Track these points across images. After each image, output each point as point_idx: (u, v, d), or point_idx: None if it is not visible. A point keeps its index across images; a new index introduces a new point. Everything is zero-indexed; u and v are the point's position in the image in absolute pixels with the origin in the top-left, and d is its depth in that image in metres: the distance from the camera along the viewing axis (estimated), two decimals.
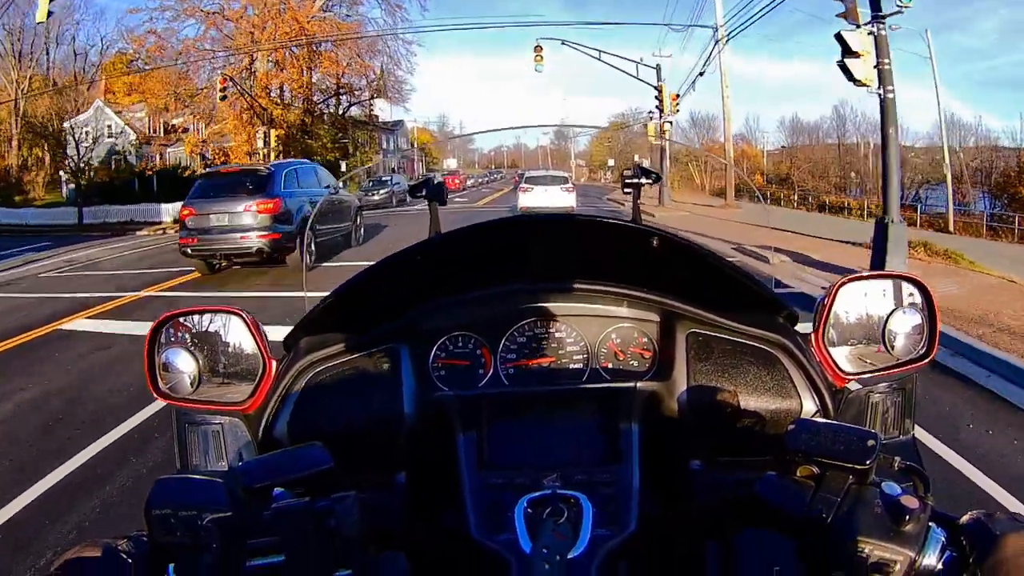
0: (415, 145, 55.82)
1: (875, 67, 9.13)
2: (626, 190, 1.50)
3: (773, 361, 1.14)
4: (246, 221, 10.66)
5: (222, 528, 0.66)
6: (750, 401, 1.13)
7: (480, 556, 0.84)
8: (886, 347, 1.15)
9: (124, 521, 3.32)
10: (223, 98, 25.80)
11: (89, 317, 8.38)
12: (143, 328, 6.14)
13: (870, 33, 9.01)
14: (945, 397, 4.90)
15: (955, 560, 0.67)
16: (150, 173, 31.47)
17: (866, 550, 0.66)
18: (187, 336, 1.14)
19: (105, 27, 44.07)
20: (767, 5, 17.57)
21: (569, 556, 0.77)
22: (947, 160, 22.79)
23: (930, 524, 0.68)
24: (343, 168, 37.64)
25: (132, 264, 13.57)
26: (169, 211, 24.93)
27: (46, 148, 33.26)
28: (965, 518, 0.70)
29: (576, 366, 1.22)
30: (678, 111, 24.75)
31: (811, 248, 11.80)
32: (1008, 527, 0.67)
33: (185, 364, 1.12)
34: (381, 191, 28.20)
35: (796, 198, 32.25)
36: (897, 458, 0.78)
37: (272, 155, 29.07)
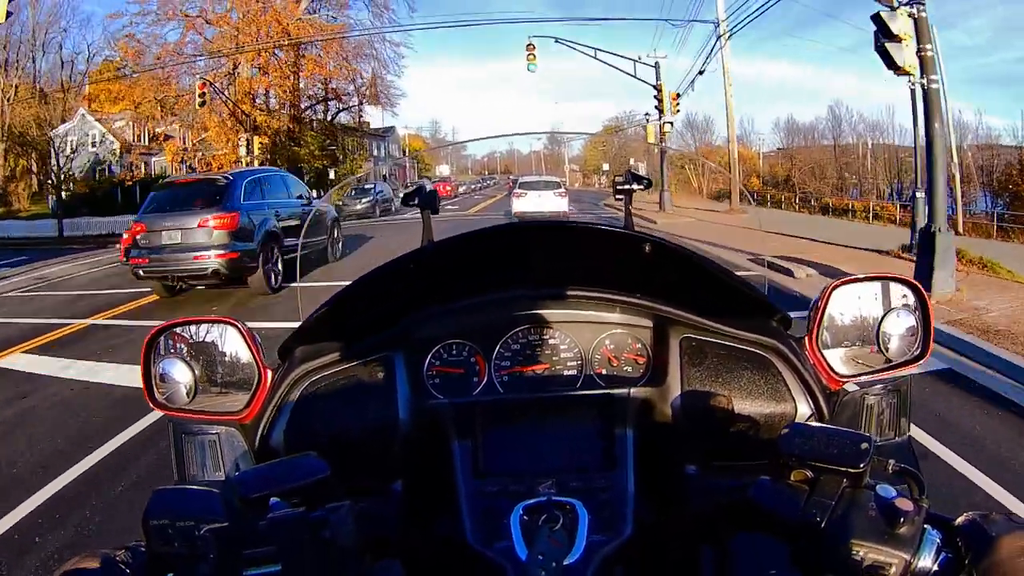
0: (407, 152, 54.22)
1: (917, 54, 8.20)
2: (618, 196, 1.50)
3: (767, 365, 1.14)
4: (200, 238, 9.41)
5: (219, 538, 0.66)
6: (744, 405, 1.12)
7: (476, 564, 0.84)
8: (880, 349, 1.15)
9: None
10: (202, 104, 24.73)
11: (27, 351, 7.50)
12: (71, 370, 6.16)
13: (910, 15, 8.13)
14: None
15: (951, 562, 0.66)
16: (130, 183, 29.80)
17: (860, 553, 0.66)
18: (183, 346, 1.14)
19: (92, 35, 42.82)
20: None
21: (565, 563, 0.78)
22: (955, 159, 21.96)
23: (925, 526, 0.68)
24: (331, 176, 36.24)
25: (97, 283, 12.48)
26: None
27: (34, 158, 32.59)
28: (960, 520, 0.70)
29: (570, 373, 1.22)
30: (678, 111, 23.53)
31: (836, 258, 10.83)
32: (1004, 528, 0.66)
33: (181, 374, 1.12)
34: (363, 200, 26.45)
35: (797, 201, 31.76)
36: (891, 461, 0.78)
37: (256, 163, 27.50)
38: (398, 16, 41.57)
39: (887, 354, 1.15)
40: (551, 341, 1.23)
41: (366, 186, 28.17)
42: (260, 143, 28.15)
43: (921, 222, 9.66)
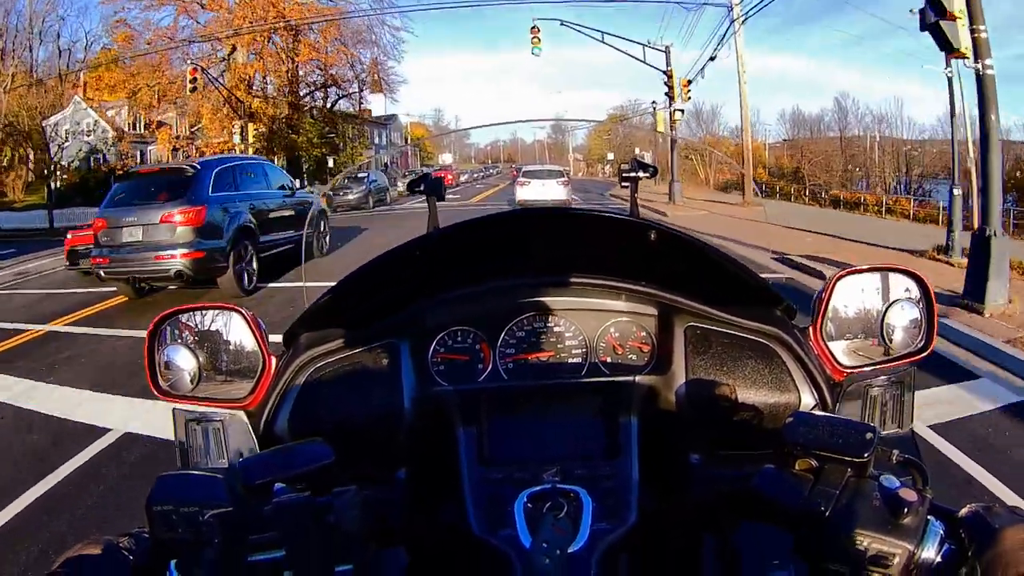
0: (408, 140, 53.02)
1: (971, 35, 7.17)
2: (624, 184, 1.48)
3: (771, 354, 1.14)
4: (162, 236, 8.45)
5: (223, 524, 0.67)
6: (748, 394, 1.13)
7: (480, 551, 0.84)
8: (884, 340, 1.15)
9: None
10: (193, 90, 23.96)
11: None
12: (5, 392, 5.21)
13: None
14: None
15: (954, 553, 0.67)
16: (121, 172, 28.63)
17: (864, 543, 0.67)
18: (187, 333, 1.14)
19: (90, 23, 41.79)
20: None
21: (569, 550, 0.78)
22: (972, 154, 20.59)
23: (929, 517, 0.68)
24: (331, 164, 35.14)
25: (73, 280, 11.27)
26: None
27: (30, 147, 31.75)
28: (964, 511, 0.70)
29: (575, 360, 1.22)
30: (689, 98, 22.34)
31: (866, 259, 9.82)
32: (1007, 520, 0.67)
33: (185, 361, 1.12)
34: (356, 190, 24.93)
35: (808, 193, 30.84)
36: (895, 451, 0.78)
37: (250, 151, 26.43)
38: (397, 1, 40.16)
39: (891, 346, 1.14)
40: (556, 329, 1.23)
41: (359, 175, 26.85)
42: (255, 130, 26.92)
43: (957, 222, 9.26)
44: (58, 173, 29.34)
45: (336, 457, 0.77)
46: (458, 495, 0.97)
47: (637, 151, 42.25)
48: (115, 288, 9.23)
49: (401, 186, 30.72)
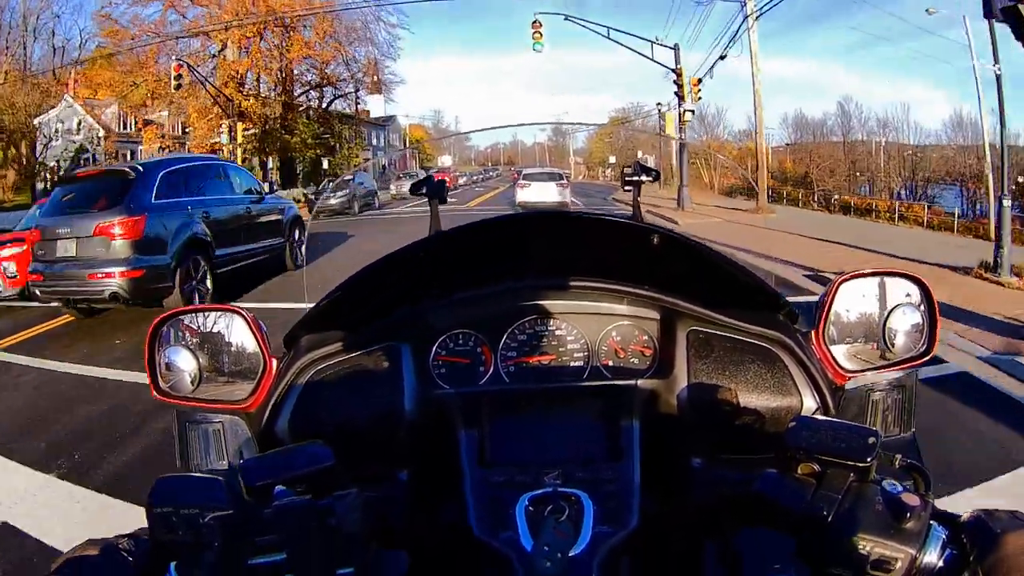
0: (407, 142, 51.84)
1: None
2: (627, 187, 1.51)
3: (773, 358, 1.14)
4: (95, 251, 7.20)
5: (224, 526, 0.67)
6: (750, 399, 1.13)
7: (481, 553, 0.85)
8: (886, 345, 1.15)
9: None
10: (178, 87, 22.91)
11: None
12: None
13: None
14: None
15: (956, 558, 0.67)
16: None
17: (867, 547, 0.67)
18: (187, 335, 1.15)
19: (84, 20, 41.03)
20: None
21: (570, 554, 0.78)
22: (988, 159, 20.56)
23: (931, 522, 0.68)
24: (325, 166, 33.79)
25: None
26: None
27: (24, 147, 31.19)
28: (966, 516, 0.70)
29: (577, 364, 1.22)
30: (700, 98, 20.92)
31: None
32: (1009, 525, 0.67)
33: (186, 363, 1.13)
34: (340, 194, 23.55)
35: (816, 199, 30.37)
36: (898, 456, 0.78)
37: (239, 151, 25.04)
38: None
39: (893, 350, 1.15)
40: (558, 332, 1.23)
41: (346, 177, 25.47)
42: (244, 130, 25.57)
43: (1007, 236, 8.73)
44: (44, 173, 28.20)
45: (337, 459, 0.77)
46: (459, 498, 0.96)
47: (640, 154, 41.24)
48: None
49: (395, 189, 29.52)
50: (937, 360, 5.29)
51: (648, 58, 21.89)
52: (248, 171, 10.43)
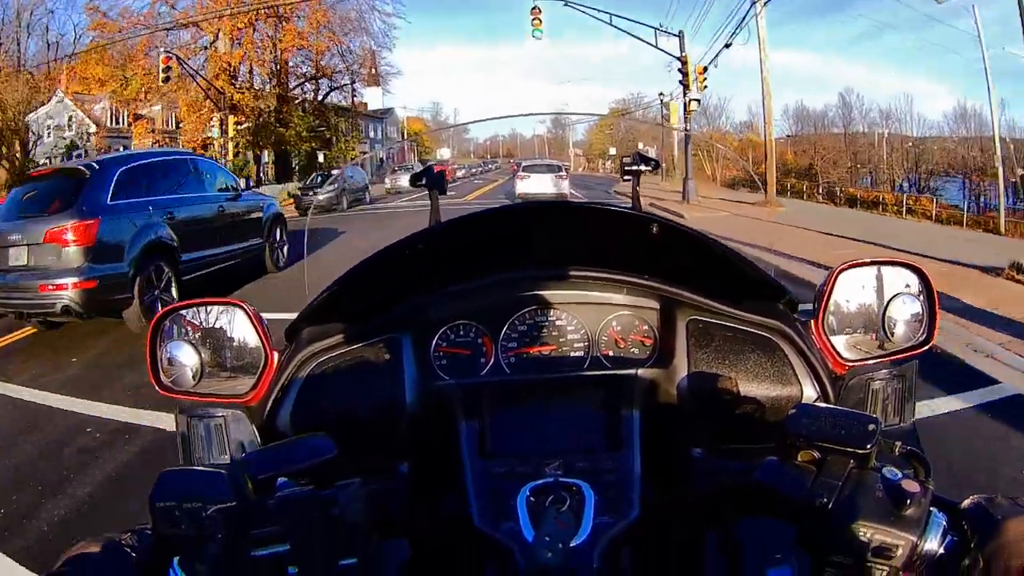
0: (405, 135, 50.93)
1: None
2: (626, 178, 1.49)
3: (773, 348, 1.15)
4: (46, 260, 6.39)
5: (227, 519, 0.67)
6: (750, 388, 1.14)
7: (483, 544, 0.85)
8: (886, 334, 1.15)
9: None
10: (166, 80, 21.93)
11: None
12: None
13: None
14: None
15: (956, 544, 0.68)
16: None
17: (867, 534, 0.67)
18: (188, 329, 1.15)
19: (78, 16, 40.37)
20: None
21: (572, 544, 0.78)
22: (998, 152, 19.86)
23: (931, 509, 0.69)
24: (321, 159, 32.91)
25: None
26: None
27: (16, 144, 29.77)
28: (966, 502, 0.71)
29: (577, 354, 1.22)
30: (705, 87, 20.13)
31: (947, 283, 7.60)
32: (1009, 511, 0.67)
33: (187, 357, 1.13)
34: (327, 189, 22.44)
35: (821, 192, 29.85)
36: (898, 443, 0.78)
37: (230, 145, 24.13)
38: None
39: (892, 339, 1.15)
40: (558, 322, 1.23)
41: (333, 172, 24.42)
42: (235, 123, 24.65)
43: None
44: (25, 172, 27.33)
45: (338, 451, 0.77)
46: (460, 489, 0.96)
47: (641, 146, 40.50)
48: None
49: (390, 183, 28.59)
50: (987, 380, 4.73)
51: (652, 45, 21.34)
52: (222, 165, 9.49)
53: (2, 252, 6.51)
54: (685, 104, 20.92)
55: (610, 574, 0.80)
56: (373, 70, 38.01)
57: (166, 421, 4.06)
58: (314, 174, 26.43)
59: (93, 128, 31.49)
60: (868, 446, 0.71)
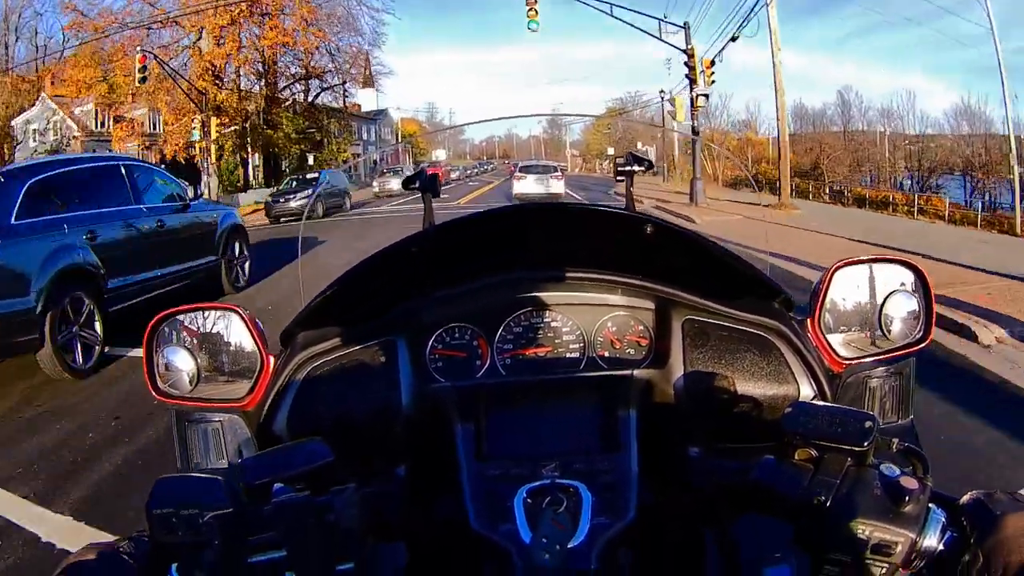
0: (399, 136, 49.56)
1: None
2: (619, 179, 1.49)
3: (769, 347, 1.15)
4: None
5: (223, 525, 0.67)
6: (747, 387, 1.14)
7: (480, 547, 0.86)
8: (883, 332, 1.15)
9: None
10: (143, 80, 20.72)
11: None
12: None
13: None
14: None
15: (955, 540, 0.68)
16: None
17: (866, 532, 0.67)
18: (184, 334, 1.15)
19: (66, 18, 38.62)
20: None
21: (569, 545, 0.78)
22: (1014, 150, 18.41)
23: (930, 505, 0.69)
24: (311, 161, 31.64)
25: None
26: None
27: (5, 148, 29.38)
28: (965, 498, 0.71)
29: (573, 355, 1.22)
30: (713, 82, 18.73)
31: (999, 300, 6.67)
32: (1008, 507, 0.67)
33: (183, 362, 1.13)
34: (300, 195, 20.72)
35: (828, 192, 28.53)
36: (895, 440, 0.78)
37: (213, 148, 22.85)
38: None
39: (889, 337, 1.15)
40: (553, 324, 1.23)
41: (308, 176, 22.77)
42: (219, 124, 23.36)
43: None
44: None
45: (335, 455, 0.77)
46: (457, 491, 0.96)
47: (640, 145, 39.78)
48: None
49: (378, 186, 27.32)
50: None
51: (656, 37, 20.20)
52: (165, 172, 8.09)
53: None
54: (692, 99, 19.45)
55: (608, 575, 0.80)
56: (367, 71, 36.93)
57: (54, 527, 3.18)
58: (289, 178, 24.78)
59: (77, 132, 30.60)
60: (865, 443, 0.71)
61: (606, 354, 1.21)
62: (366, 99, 44.32)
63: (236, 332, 1.14)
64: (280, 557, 0.66)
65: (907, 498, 0.66)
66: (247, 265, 8.84)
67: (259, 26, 29.50)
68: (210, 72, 27.74)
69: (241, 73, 30.90)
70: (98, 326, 5.86)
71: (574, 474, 0.92)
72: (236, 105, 29.33)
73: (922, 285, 1.15)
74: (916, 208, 21.42)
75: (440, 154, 66.75)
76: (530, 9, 18.71)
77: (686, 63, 19.48)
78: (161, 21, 26.83)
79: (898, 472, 0.69)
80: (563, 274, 1.21)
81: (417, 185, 1.45)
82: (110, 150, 28.52)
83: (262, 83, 32.20)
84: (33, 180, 5.80)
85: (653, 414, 1.11)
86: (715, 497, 0.85)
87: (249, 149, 31.61)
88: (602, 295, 1.21)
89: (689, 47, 19.26)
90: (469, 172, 54.47)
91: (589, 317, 1.22)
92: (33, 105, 30.05)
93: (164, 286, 7.03)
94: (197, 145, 24.33)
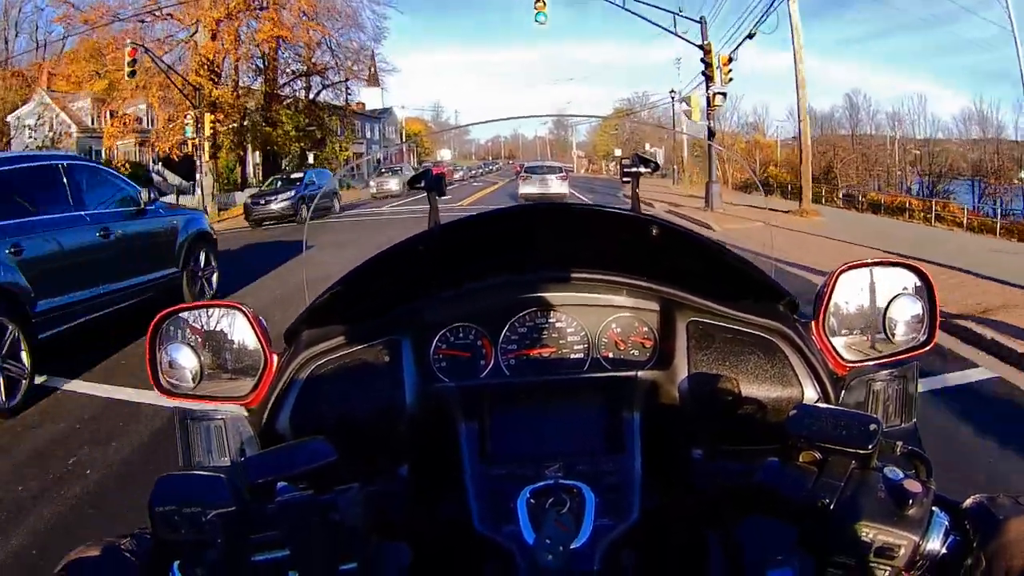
0: (403, 136, 48.73)
1: None
2: (625, 179, 1.48)
3: (774, 349, 1.15)
4: None
5: (226, 523, 0.67)
6: (751, 389, 1.14)
7: (483, 547, 0.86)
8: (887, 335, 1.15)
9: None
10: (131, 74, 20.29)
11: None
12: None
13: None
14: None
15: (959, 544, 0.68)
16: None
17: (870, 535, 0.67)
18: (188, 332, 1.15)
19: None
20: None
21: (572, 546, 0.78)
22: None
23: (933, 508, 0.69)
24: (311, 160, 30.80)
25: None
26: None
27: (2, 144, 28.89)
28: (968, 502, 0.71)
29: (577, 356, 1.22)
30: (731, 79, 17.69)
31: None
32: (1011, 511, 0.67)
33: (186, 360, 1.13)
34: (282, 197, 19.03)
35: (841, 197, 28.18)
36: (899, 443, 0.78)
37: (207, 146, 21.99)
38: None
39: (893, 340, 1.14)
40: (558, 324, 1.23)
41: (292, 176, 21.62)
42: (213, 121, 22.44)
43: None
44: None
45: (338, 454, 0.78)
46: (460, 492, 0.96)
47: (648, 147, 38.72)
48: None
49: (375, 187, 26.30)
50: None
51: (671, 32, 19.19)
52: (117, 174, 6.99)
53: None
54: (709, 98, 18.27)
55: None
56: (372, 69, 36.03)
57: None
58: (272, 178, 23.52)
59: (73, 128, 30.04)
60: (869, 446, 0.72)
61: (610, 355, 1.22)
62: (371, 98, 43.65)
63: (240, 330, 1.13)
64: (283, 556, 0.66)
65: (911, 501, 0.66)
66: (214, 277, 7.85)
67: (257, 19, 28.72)
68: (206, 67, 26.67)
69: (239, 69, 30.13)
70: (24, 356, 4.87)
71: (577, 475, 0.92)
72: (233, 101, 28.40)
73: (926, 289, 1.15)
74: (933, 215, 20.62)
75: (445, 154, 66.04)
76: (538, 2, 17.54)
77: (702, 59, 18.38)
78: (154, 13, 26.13)
79: (902, 475, 0.69)
80: (568, 275, 1.21)
81: (423, 184, 1.43)
82: (104, 149, 27.78)
83: (261, 79, 31.59)
84: None
85: (657, 416, 1.11)
86: (719, 499, 0.86)
87: (248, 147, 30.87)
88: (607, 296, 1.21)
89: (706, 42, 18.24)
90: (474, 172, 54.03)
91: (594, 318, 1.22)
92: (28, 101, 29.55)
93: (110, 305, 6.04)
94: (190, 142, 23.38)
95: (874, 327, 1.14)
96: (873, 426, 0.72)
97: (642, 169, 1.43)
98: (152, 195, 6.77)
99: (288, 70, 33.35)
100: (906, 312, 1.13)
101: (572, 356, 1.21)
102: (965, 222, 19.34)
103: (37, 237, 5.34)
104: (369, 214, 19.72)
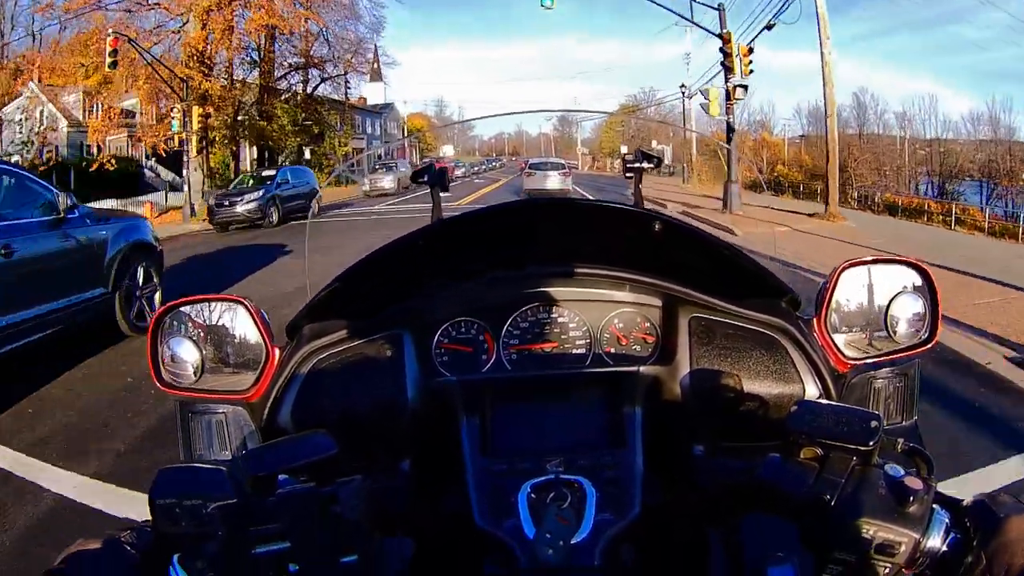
0: (405, 131, 47.67)
1: None
2: (628, 175, 1.46)
3: (775, 346, 1.15)
4: None
5: (227, 516, 0.68)
6: (753, 386, 1.14)
7: (484, 541, 0.86)
8: (888, 332, 1.15)
9: None
10: (112, 65, 19.88)
11: None
12: None
13: None
14: None
15: (959, 542, 0.68)
16: (43, 168, 22.77)
17: (870, 531, 0.68)
18: (190, 326, 1.15)
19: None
20: None
21: (573, 541, 0.79)
22: None
23: (934, 506, 0.69)
24: (307, 155, 29.63)
25: None
26: None
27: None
28: (969, 500, 0.72)
29: (579, 351, 1.23)
30: (751, 71, 16.43)
31: None
32: (1012, 509, 0.68)
33: (188, 354, 1.13)
34: (248, 198, 17.04)
35: (857, 198, 27.05)
36: (900, 440, 0.79)
37: (194, 140, 20.87)
38: None
39: (895, 337, 1.14)
40: (560, 319, 1.23)
41: (264, 173, 19.72)
42: (202, 115, 21.37)
43: None
44: None
45: (339, 448, 0.78)
46: (461, 486, 0.96)
47: (655, 143, 37.46)
48: None
49: (369, 184, 25.16)
50: None
51: (688, 20, 18.30)
52: (34, 177, 5.75)
53: None
54: (728, 91, 16.75)
55: (611, 572, 0.81)
56: (376, 65, 34.91)
57: None
58: (241, 175, 22.16)
59: (63, 122, 29.48)
60: (871, 443, 0.72)
61: (612, 350, 1.22)
62: (373, 93, 42.65)
63: (242, 324, 1.14)
64: (284, 548, 0.67)
65: (911, 498, 0.67)
66: (157, 296, 6.52)
67: (248, 6, 27.48)
68: (196, 59, 25.61)
69: (233, 61, 29.42)
70: None
71: (578, 470, 0.93)
72: (224, 94, 27.46)
73: (928, 286, 1.15)
74: (953, 218, 19.58)
75: (448, 150, 65.05)
76: None
77: (721, 49, 16.85)
78: (141, 3, 25.15)
79: (903, 472, 0.70)
80: (571, 270, 1.21)
81: (426, 179, 1.41)
82: (95, 144, 26.73)
83: (255, 72, 30.83)
84: None
85: (658, 411, 1.12)
86: (720, 496, 0.86)
87: (242, 142, 29.95)
88: (609, 291, 1.22)
89: (725, 31, 16.70)
90: (475, 168, 53.15)
91: (596, 313, 1.22)
92: (19, 95, 29.07)
93: (10, 341, 4.76)
94: (177, 137, 22.29)
95: (876, 324, 1.14)
96: (874, 423, 0.72)
97: (645, 165, 1.41)
98: (71, 201, 5.55)
99: (285, 63, 32.70)
100: (908, 310, 1.13)
101: (574, 351, 1.21)
102: (986, 226, 18.11)
103: None
104: (356, 215, 18.29)
